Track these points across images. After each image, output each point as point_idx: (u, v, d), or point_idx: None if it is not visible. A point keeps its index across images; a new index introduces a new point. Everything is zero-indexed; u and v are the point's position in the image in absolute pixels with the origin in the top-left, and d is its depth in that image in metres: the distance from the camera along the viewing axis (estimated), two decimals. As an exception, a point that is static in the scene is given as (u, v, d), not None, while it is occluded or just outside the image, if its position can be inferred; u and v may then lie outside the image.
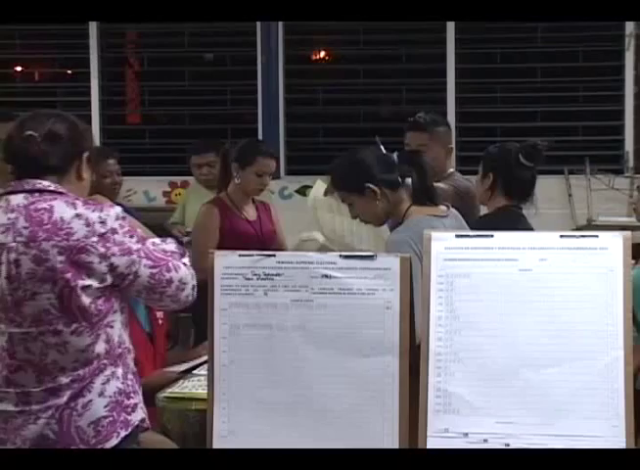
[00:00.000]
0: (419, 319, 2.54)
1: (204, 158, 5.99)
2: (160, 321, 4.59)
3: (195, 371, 3.74)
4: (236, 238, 4.82)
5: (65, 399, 2.67)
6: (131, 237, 2.70)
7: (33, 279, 2.62)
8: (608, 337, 2.43)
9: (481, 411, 2.45)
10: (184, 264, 2.79)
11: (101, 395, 2.69)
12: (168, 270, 2.73)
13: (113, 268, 2.66)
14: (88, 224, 2.63)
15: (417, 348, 2.52)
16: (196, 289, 2.81)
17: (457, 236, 2.56)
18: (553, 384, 2.44)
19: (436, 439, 2.45)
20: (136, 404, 2.76)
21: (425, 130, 4.63)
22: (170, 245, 2.85)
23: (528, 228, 3.92)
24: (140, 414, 2.77)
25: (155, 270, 2.70)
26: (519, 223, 3.93)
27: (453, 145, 4.98)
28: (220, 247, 4.71)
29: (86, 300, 2.64)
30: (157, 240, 2.85)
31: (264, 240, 5.03)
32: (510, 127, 7.73)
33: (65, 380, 2.67)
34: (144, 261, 2.70)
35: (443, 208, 3.65)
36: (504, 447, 2.42)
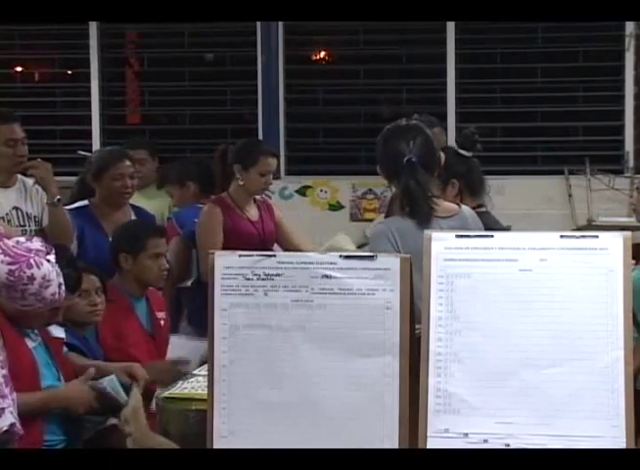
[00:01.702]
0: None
1: (134, 153, 5.68)
2: (162, 322, 4.60)
3: (195, 371, 3.74)
4: (238, 238, 4.82)
5: None
6: None
7: None
8: (608, 337, 2.43)
9: (482, 411, 2.45)
10: (48, 261, 2.67)
11: None
12: (29, 267, 2.60)
13: None
14: None
15: (417, 347, 2.52)
16: (63, 287, 2.70)
17: (457, 236, 2.56)
18: (553, 384, 2.44)
19: (437, 439, 2.45)
20: (3, 409, 2.64)
21: None
22: (36, 243, 2.72)
23: (499, 226, 3.93)
24: (8, 419, 2.64)
25: (14, 267, 2.58)
26: (490, 221, 3.93)
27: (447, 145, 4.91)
28: (222, 247, 4.72)
29: None
30: (21, 239, 2.74)
31: (266, 240, 5.03)
32: (510, 127, 7.74)
33: None
34: (0, 257, 2.58)
35: (452, 207, 3.63)
36: (504, 448, 2.42)
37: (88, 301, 3.98)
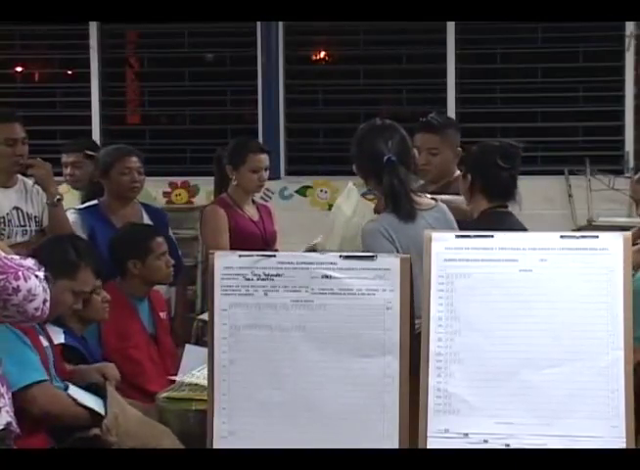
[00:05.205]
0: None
1: (69, 156, 5.78)
2: (163, 316, 4.59)
3: (195, 371, 3.74)
4: (241, 238, 4.82)
5: None
6: None
7: None
8: (608, 337, 2.43)
9: (481, 412, 2.45)
10: (36, 277, 2.66)
11: None
12: (17, 278, 2.59)
13: None
14: None
15: (417, 347, 2.52)
16: (47, 304, 2.66)
17: (457, 236, 2.56)
18: (553, 384, 2.44)
19: (437, 439, 2.45)
20: None
21: (436, 132, 4.51)
22: (28, 261, 2.71)
23: (516, 227, 3.87)
24: (4, 418, 2.64)
25: (0, 276, 2.57)
26: (503, 225, 3.89)
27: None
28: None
29: None
30: (15, 257, 2.72)
31: (267, 240, 5.03)
32: (510, 127, 7.73)
33: None
34: None
35: (430, 201, 3.70)
36: (504, 448, 2.42)
37: (102, 297, 4.00)
